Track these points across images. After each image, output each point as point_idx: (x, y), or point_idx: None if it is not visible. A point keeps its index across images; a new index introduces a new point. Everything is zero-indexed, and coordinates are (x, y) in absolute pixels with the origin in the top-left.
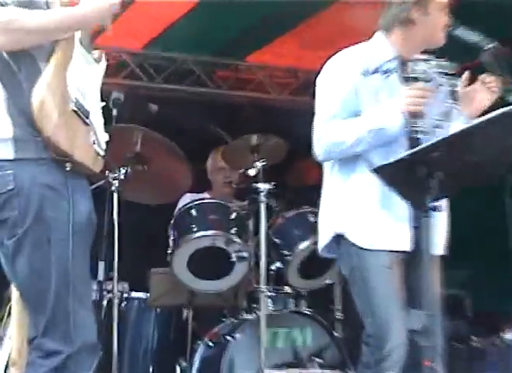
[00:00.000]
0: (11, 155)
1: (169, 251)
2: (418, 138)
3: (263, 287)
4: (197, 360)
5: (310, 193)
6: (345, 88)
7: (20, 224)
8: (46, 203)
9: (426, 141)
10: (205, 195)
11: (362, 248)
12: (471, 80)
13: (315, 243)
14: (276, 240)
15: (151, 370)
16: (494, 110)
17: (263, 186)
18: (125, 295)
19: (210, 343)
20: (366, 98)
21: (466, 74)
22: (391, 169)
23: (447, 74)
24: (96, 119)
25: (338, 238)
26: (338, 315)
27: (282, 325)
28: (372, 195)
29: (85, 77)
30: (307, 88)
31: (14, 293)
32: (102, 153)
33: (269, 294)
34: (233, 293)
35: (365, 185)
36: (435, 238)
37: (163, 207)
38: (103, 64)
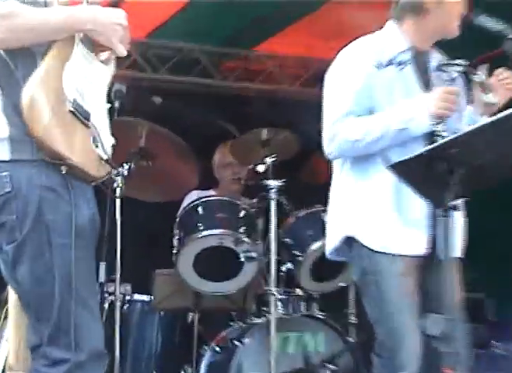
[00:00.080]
0: (7, 156)
1: (174, 251)
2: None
3: (273, 289)
4: (203, 366)
5: (323, 191)
6: (358, 83)
7: (19, 228)
8: (45, 206)
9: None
10: (212, 192)
11: (375, 251)
12: (493, 70)
13: None
14: (287, 240)
15: None
16: None
17: (273, 183)
18: (128, 298)
19: (217, 349)
20: (380, 92)
21: (485, 65)
22: (409, 165)
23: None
24: (100, 121)
25: (349, 241)
26: (352, 319)
27: (292, 329)
28: (385, 196)
29: (85, 77)
30: (320, 78)
31: (11, 295)
32: (105, 157)
33: (279, 296)
34: (241, 295)
35: (378, 185)
36: (453, 239)
37: (168, 205)
38: (112, 66)
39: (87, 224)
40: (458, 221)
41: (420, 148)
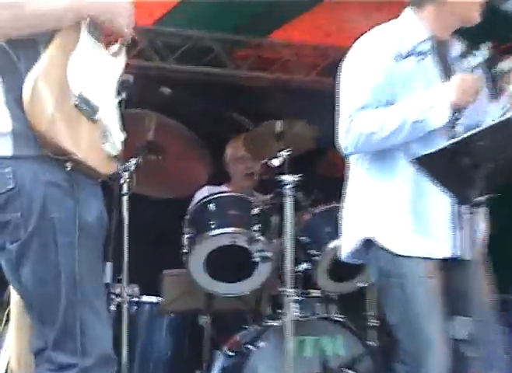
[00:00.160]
0: (9, 152)
1: (184, 250)
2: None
3: (289, 290)
4: (215, 371)
5: (341, 185)
6: (376, 76)
7: (23, 226)
8: (50, 203)
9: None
10: (224, 188)
11: (398, 254)
12: None
13: None
14: (303, 238)
15: None
16: None
17: (288, 178)
18: (135, 299)
19: (230, 353)
20: (399, 85)
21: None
22: (433, 159)
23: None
24: (109, 116)
25: (367, 243)
26: (373, 321)
27: (309, 332)
28: (405, 195)
29: (93, 69)
30: (337, 68)
31: (13, 297)
32: (114, 153)
33: (296, 298)
34: (255, 297)
35: (398, 184)
36: (478, 238)
37: (178, 202)
38: (123, 58)
39: (95, 221)
40: (482, 218)
41: (443, 142)
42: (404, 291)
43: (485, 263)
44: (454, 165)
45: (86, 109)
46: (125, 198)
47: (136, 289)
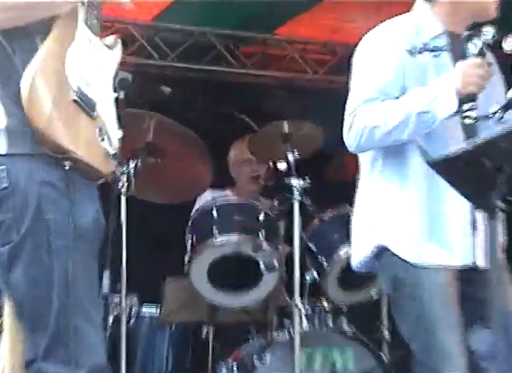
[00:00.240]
0: (3, 149)
1: (186, 258)
2: (473, 126)
3: (297, 300)
4: None
5: (352, 190)
6: (387, 68)
7: (16, 228)
8: (45, 203)
9: (483, 130)
10: (228, 192)
11: (413, 263)
12: None
13: None
14: (312, 245)
15: None
16: None
17: (296, 182)
18: (134, 310)
19: (234, 367)
20: (412, 80)
21: None
22: (451, 161)
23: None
24: (106, 112)
25: (379, 250)
26: (385, 333)
27: (318, 345)
28: (420, 201)
29: (91, 63)
30: (347, 65)
31: (6, 307)
32: (112, 151)
33: (304, 309)
34: (261, 308)
35: (413, 189)
36: (498, 245)
37: (179, 207)
38: (119, 51)
39: (91, 223)
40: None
41: (459, 138)
42: (419, 301)
43: (506, 270)
44: (474, 169)
45: (85, 105)
46: (123, 203)
47: (135, 299)
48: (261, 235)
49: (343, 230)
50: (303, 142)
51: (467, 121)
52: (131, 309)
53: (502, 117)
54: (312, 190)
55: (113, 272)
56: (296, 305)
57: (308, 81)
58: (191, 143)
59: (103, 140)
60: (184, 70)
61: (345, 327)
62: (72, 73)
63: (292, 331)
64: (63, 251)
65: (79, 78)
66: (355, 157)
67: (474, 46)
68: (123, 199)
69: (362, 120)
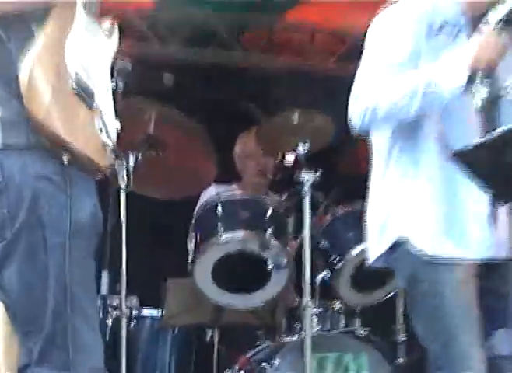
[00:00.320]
0: None
1: (189, 257)
2: (495, 111)
3: (307, 301)
4: None
5: (365, 185)
6: (403, 50)
7: (10, 224)
8: (41, 198)
9: (503, 113)
10: (234, 187)
11: (430, 256)
12: None
13: None
14: (323, 243)
15: None
16: None
17: (306, 176)
18: (135, 312)
19: (241, 372)
20: (427, 60)
21: None
22: (475, 152)
23: None
24: (104, 102)
25: (395, 244)
26: (401, 336)
27: (330, 349)
28: (439, 192)
29: (89, 51)
30: (359, 53)
31: (0, 309)
32: (111, 144)
33: (315, 310)
34: (269, 309)
35: (431, 180)
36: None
37: (182, 203)
38: (116, 37)
39: (88, 219)
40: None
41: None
42: (437, 298)
43: None
44: (499, 160)
45: (84, 95)
46: (123, 198)
47: (135, 301)
48: (269, 231)
49: (356, 227)
50: (313, 134)
51: (478, 97)
52: (131, 311)
53: None
54: (323, 184)
55: (111, 272)
56: (307, 307)
57: (318, 69)
58: (195, 135)
59: (101, 132)
60: (186, 56)
61: (359, 330)
62: (71, 61)
63: (302, 334)
64: (59, 248)
65: (78, 67)
66: (366, 149)
67: (490, 18)
68: (122, 194)
69: (367, 97)
